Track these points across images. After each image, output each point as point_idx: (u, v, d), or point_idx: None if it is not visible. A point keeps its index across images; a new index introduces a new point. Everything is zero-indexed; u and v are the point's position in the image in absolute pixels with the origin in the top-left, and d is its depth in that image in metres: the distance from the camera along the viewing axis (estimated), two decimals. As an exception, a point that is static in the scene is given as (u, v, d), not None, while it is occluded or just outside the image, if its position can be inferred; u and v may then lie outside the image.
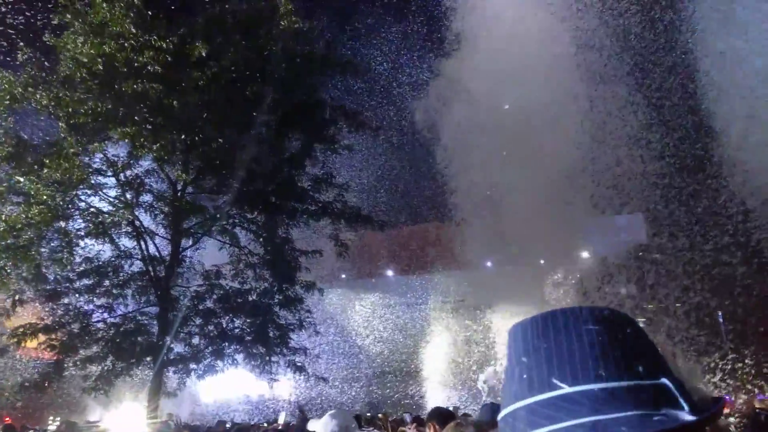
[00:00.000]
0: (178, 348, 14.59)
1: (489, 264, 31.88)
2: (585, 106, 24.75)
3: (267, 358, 15.00)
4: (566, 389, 0.67)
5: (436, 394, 29.11)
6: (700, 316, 29.37)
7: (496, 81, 24.40)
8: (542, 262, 28.52)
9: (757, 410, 9.46)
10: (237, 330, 15.03)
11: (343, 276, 34.16)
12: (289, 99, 14.27)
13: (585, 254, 29.21)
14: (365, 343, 34.62)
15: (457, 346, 30.34)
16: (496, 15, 25.55)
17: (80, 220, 13.23)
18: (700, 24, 25.86)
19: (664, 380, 0.66)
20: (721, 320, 29.86)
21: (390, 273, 36.67)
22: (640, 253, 29.38)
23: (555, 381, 0.68)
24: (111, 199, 13.46)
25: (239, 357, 15.04)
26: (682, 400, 0.64)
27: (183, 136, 13.18)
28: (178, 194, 14.10)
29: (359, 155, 28.24)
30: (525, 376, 0.72)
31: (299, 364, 15.31)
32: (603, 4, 25.50)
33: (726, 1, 25.28)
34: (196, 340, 14.88)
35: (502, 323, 27.91)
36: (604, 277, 27.77)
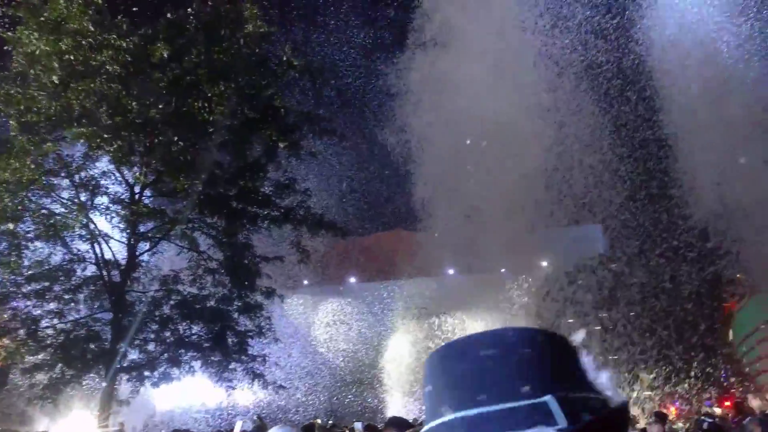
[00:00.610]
0: (133, 355, 14.21)
1: (451, 272, 32.19)
2: (546, 119, 25.34)
3: (225, 365, 14.76)
4: (449, 416, 0.70)
5: (396, 403, 29.18)
6: (654, 324, 30.33)
7: (461, 91, 24.75)
8: (503, 270, 28.97)
9: (701, 417, 9.83)
10: (194, 337, 14.73)
11: (306, 283, 33.87)
12: (253, 103, 14.16)
13: (544, 263, 29.81)
14: (327, 350, 34.37)
15: (419, 354, 30.45)
16: (462, 27, 25.98)
17: (30, 222, 12.77)
18: (657, 38, 26.85)
19: (546, 398, 0.67)
20: (672, 329, 30.87)
21: (353, 280, 36.60)
22: (598, 263, 30.19)
23: (442, 409, 0.72)
24: (64, 201, 13.05)
25: (196, 364, 14.74)
26: (558, 416, 0.66)
27: (142, 138, 12.92)
28: (136, 197, 13.78)
29: (324, 162, 28.16)
30: (427, 404, 0.77)
31: (258, 371, 15.10)
32: (565, 19, 26.21)
33: (681, 17, 26.34)
34: (151, 347, 14.51)
35: (463, 331, 28.17)
36: (562, 285, 28.38)
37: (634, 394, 30.26)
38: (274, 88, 14.69)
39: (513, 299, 28.36)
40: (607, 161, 27.49)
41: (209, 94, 13.07)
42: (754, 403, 7.43)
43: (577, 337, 0.85)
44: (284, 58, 14.25)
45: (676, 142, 27.75)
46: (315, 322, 34.63)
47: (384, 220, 35.85)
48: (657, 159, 29.82)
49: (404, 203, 30.54)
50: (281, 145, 14.45)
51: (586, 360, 0.77)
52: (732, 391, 34.20)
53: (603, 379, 0.75)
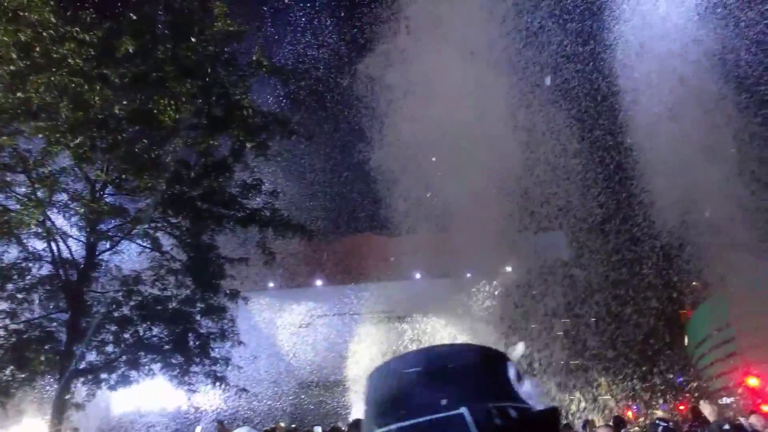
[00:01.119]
0: (89, 357, 13.79)
1: (418, 276, 32.37)
2: (515, 131, 25.80)
3: (186, 368, 14.47)
4: None
5: (361, 406, 29.05)
6: (613, 331, 31.08)
7: (433, 101, 24.99)
8: (468, 275, 29.33)
9: (657, 421, 10.10)
10: (155, 338, 14.40)
11: (271, 285, 33.54)
12: (220, 102, 13.97)
13: (509, 269, 30.29)
14: (291, 354, 34.06)
15: (384, 356, 30.45)
16: (434, 34, 26.22)
17: (-17, 219, 12.27)
18: (621, 51, 27.63)
19: (462, 410, 0.71)
20: (631, 335, 31.66)
21: (320, 283, 36.41)
22: (561, 270, 30.79)
23: (372, 426, 0.76)
24: (20, 197, 12.59)
25: (156, 367, 14.40)
26: (472, 426, 0.69)
27: (104, 134, 12.59)
28: (97, 195, 13.40)
29: (293, 164, 27.96)
30: (363, 420, 0.81)
31: (220, 374, 14.86)
32: (536, 31, 26.71)
33: (643, 27, 27.16)
34: (109, 349, 14.11)
35: (429, 334, 28.36)
36: (526, 291, 28.85)
37: (596, 398, 30.95)
38: (242, 87, 14.52)
39: (478, 303, 28.71)
40: (572, 173, 28.15)
41: (175, 92, 12.83)
42: (706, 408, 7.68)
43: (517, 350, 0.88)
44: (254, 58, 14.11)
45: (639, 157, 28.66)
46: (280, 325, 34.29)
47: (353, 224, 35.80)
48: (620, 173, 30.68)
49: (374, 208, 30.63)
50: (248, 145, 14.28)
51: (513, 372, 0.79)
52: (686, 395, 35.29)
53: (528, 388, 0.77)
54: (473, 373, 0.77)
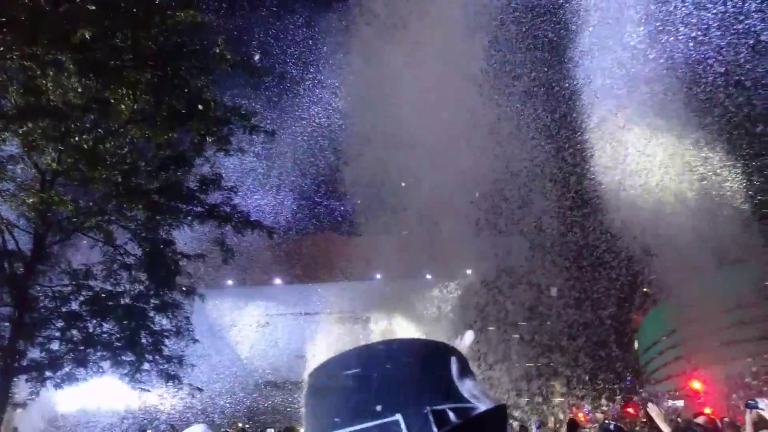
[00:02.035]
0: (34, 353, 13.23)
1: (378, 276, 32.39)
2: (478, 137, 26.14)
3: (137, 366, 14.06)
4: None
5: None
6: (569, 334, 31.84)
7: (396, 104, 25.08)
8: (429, 277, 29.54)
9: (606, 421, 10.39)
10: (105, 335, 13.94)
11: (229, 283, 32.98)
12: (180, 94, 13.63)
13: (469, 271, 30.64)
14: (249, 352, 33.55)
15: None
16: (402, 37, 26.33)
17: None
18: (591, 68, 28.37)
19: (396, 416, 0.68)
20: (584, 339, 32.50)
21: (279, 282, 35.98)
22: (520, 273, 31.34)
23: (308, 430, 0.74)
24: (-38, 185, 12.00)
25: (105, 364, 13.94)
26: None
27: (57, 122, 12.11)
28: (47, 184, 12.88)
29: (255, 160, 27.58)
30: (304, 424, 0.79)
31: (173, 373, 14.50)
32: (504, 41, 27.12)
33: (606, 40, 27.93)
34: (55, 345, 13.58)
35: (389, 334, 28.37)
36: (485, 294, 29.25)
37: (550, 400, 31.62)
38: (204, 80, 14.21)
39: (437, 305, 28.92)
40: (533, 179, 28.71)
41: (134, 82, 12.46)
42: (653, 411, 7.90)
43: (466, 339, 0.84)
44: (217, 51, 13.84)
45: (598, 169, 29.48)
46: (238, 324, 33.72)
47: (314, 223, 35.53)
48: (579, 182, 31.48)
49: (335, 207, 30.49)
50: (209, 139, 13.99)
51: (456, 368, 0.75)
52: (635, 398, 36.46)
53: (471, 386, 0.74)
54: (412, 374, 0.74)
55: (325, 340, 31.42)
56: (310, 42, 31.75)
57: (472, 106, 25.75)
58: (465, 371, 0.76)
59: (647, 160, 27.69)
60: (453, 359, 0.76)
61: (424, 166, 25.02)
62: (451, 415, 0.69)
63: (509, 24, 27.22)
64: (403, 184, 25.67)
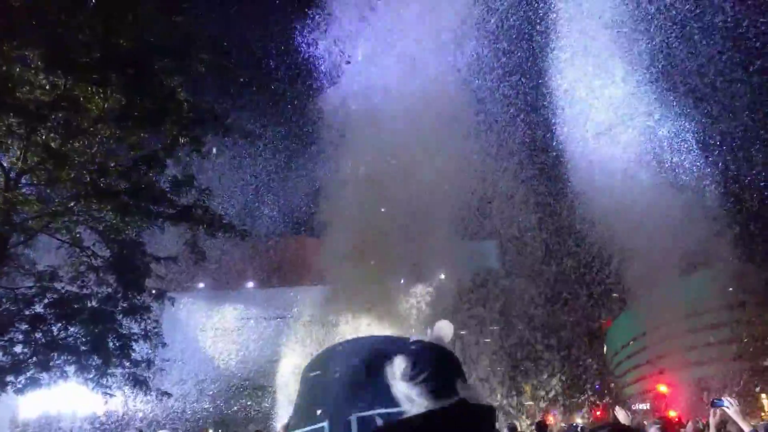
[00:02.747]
0: (-5, 358, 12.81)
1: (351, 280, 32.28)
2: (450, 145, 26.29)
3: (103, 370, 13.71)
4: None
5: (288, 409, 28.62)
6: (540, 338, 32.25)
7: (372, 108, 25.13)
8: (402, 281, 29.59)
9: (574, 424, 10.54)
10: (70, 339, 13.56)
11: (201, 286, 32.50)
12: (153, 93, 13.40)
13: (442, 276, 30.80)
14: (220, 356, 33.09)
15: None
16: (383, 41, 26.41)
17: None
18: (562, 83, 28.85)
19: (324, 423, 0.71)
20: (555, 344, 32.94)
21: (251, 285, 35.59)
22: (491, 278, 31.66)
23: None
24: None
25: (70, 369, 13.56)
26: None
27: (23, 120, 11.78)
28: (11, 183, 12.50)
29: (229, 162, 27.27)
30: None
31: (141, 377, 14.19)
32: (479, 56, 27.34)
33: (579, 59, 28.48)
34: (18, 349, 13.16)
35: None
36: (458, 297, 29.45)
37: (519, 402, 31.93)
38: (178, 80, 14.00)
39: (410, 308, 29.00)
40: (504, 185, 29.04)
41: (105, 79, 12.21)
42: (620, 415, 8.04)
43: (440, 330, 0.84)
44: (192, 51, 13.66)
45: (569, 177, 30.00)
46: (209, 327, 33.23)
47: (288, 226, 35.20)
48: (551, 189, 31.97)
49: (310, 210, 30.33)
50: (182, 140, 13.77)
51: (400, 371, 0.74)
52: (603, 402, 37.11)
53: (407, 389, 0.73)
54: (354, 377, 0.76)
55: (298, 344, 31.18)
56: (290, 44, 31.49)
57: (446, 114, 25.92)
58: (411, 371, 0.74)
59: (618, 168, 28.30)
60: (398, 360, 0.74)
61: (399, 174, 25.08)
62: (378, 421, 0.71)
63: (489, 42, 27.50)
64: (376, 191, 25.59)
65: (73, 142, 12.36)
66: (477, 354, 28.52)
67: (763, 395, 32.86)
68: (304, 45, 28.00)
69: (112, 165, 13.48)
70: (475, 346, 28.70)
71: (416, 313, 29.33)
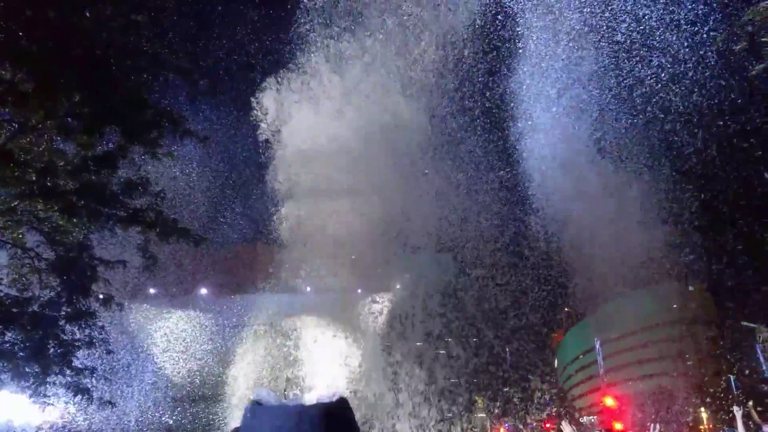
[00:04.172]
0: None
1: (308, 289, 32.01)
2: (408, 158, 26.54)
3: (42, 378, 13.10)
4: None
5: (239, 419, 28.05)
6: (492, 349, 32.67)
7: (329, 115, 25.15)
8: (359, 291, 29.53)
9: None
10: (7, 345, 12.91)
11: (152, 291, 31.54)
12: (108, 92, 13.01)
13: (398, 286, 30.91)
14: (170, 364, 32.12)
15: (266, 369, 29.62)
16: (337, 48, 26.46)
17: None
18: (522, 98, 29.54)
19: None
20: (509, 356, 33.44)
21: (204, 291, 34.78)
22: (446, 290, 31.94)
23: None
24: None
25: (6, 376, 12.90)
26: None
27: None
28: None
29: (186, 166, 26.70)
30: None
31: (83, 386, 13.62)
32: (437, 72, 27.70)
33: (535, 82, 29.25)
34: (-51, 355, 12.46)
35: (314, 348, 28.05)
36: (413, 308, 29.58)
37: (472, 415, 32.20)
38: (135, 80, 13.64)
39: (365, 318, 28.93)
40: (460, 197, 29.46)
41: (56, 75, 11.78)
42: (566, 428, 8.24)
43: None
44: (150, 52, 13.35)
45: (526, 189, 30.68)
46: (159, 334, 32.26)
47: (244, 232, 34.58)
48: (508, 200, 32.60)
49: (267, 217, 29.93)
50: (136, 141, 13.41)
51: None
52: (553, 414, 37.83)
53: None
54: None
55: (251, 353, 30.61)
56: (253, 51, 31.15)
57: (409, 126, 26.16)
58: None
59: (571, 188, 29.12)
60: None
61: (356, 181, 25.11)
62: None
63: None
64: (335, 201, 25.53)
65: (18, 139, 11.85)
66: (429, 365, 28.66)
67: (702, 409, 34.18)
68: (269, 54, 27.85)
69: (61, 164, 12.99)
70: (428, 357, 28.86)
71: (372, 320, 29.29)
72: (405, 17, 26.47)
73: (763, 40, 8.88)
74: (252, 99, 28.27)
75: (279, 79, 26.79)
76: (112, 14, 12.76)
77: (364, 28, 26.39)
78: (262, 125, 27.29)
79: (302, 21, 26.62)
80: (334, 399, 2.47)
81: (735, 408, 10.12)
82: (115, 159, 13.79)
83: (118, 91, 13.40)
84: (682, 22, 24.59)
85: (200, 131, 15.61)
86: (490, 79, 29.45)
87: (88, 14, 12.73)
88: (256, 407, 2.52)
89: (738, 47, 10.06)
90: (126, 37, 13.54)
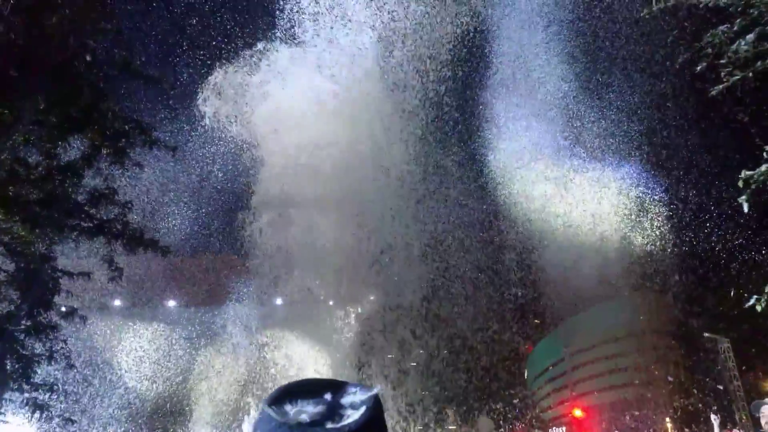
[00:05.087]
0: None
1: (279, 301, 31.67)
2: (380, 170, 26.62)
3: (-2, 394, 12.61)
4: None
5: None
6: (463, 362, 32.79)
7: (302, 126, 25.12)
8: (331, 303, 29.35)
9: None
10: (-38, 359, 12.43)
11: (117, 304, 30.74)
12: (75, 101, 12.75)
13: (371, 297, 30.83)
14: (135, 379, 31.25)
15: (236, 384, 29.12)
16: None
17: None
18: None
19: None
20: (478, 369, 33.57)
21: (172, 304, 34.06)
22: (419, 303, 32.00)
23: None
24: None
25: (-40, 392, 12.39)
26: None
27: None
28: None
29: (155, 176, 26.25)
30: None
31: (41, 402, 13.15)
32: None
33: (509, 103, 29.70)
34: None
35: (283, 361, 27.70)
36: (386, 320, 29.53)
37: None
38: (102, 88, 13.39)
39: (338, 330, 28.74)
40: (434, 209, 29.67)
41: (19, 82, 11.49)
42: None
43: None
44: (118, 59, 13.15)
45: (497, 207, 31.12)
46: (124, 347, 31.41)
47: (213, 243, 34.04)
48: (485, 208, 32.96)
49: (236, 229, 29.56)
50: (103, 151, 13.14)
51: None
52: (522, 426, 38.12)
53: None
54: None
55: (219, 367, 30.05)
56: (224, 61, 30.89)
57: (379, 151, 26.23)
58: None
59: (537, 200, 29.61)
60: None
61: (328, 192, 25.06)
62: None
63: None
64: (307, 212, 25.38)
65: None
66: (399, 377, 28.59)
67: (667, 419, 34.88)
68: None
69: (23, 172, 12.63)
70: (398, 369, 28.80)
71: (346, 334, 29.12)
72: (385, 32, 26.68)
73: (721, 62, 9.25)
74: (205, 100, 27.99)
75: (245, 86, 26.69)
76: (79, 21, 12.53)
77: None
78: (233, 132, 27.11)
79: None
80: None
81: (712, 416, 10.33)
82: (80, 168, 13.49)
83: (84, 99, 13.14)
84: (648, 39, 25.43)
85: (170, 140, 15.43)
86: (466, 92, 29.85)
87: (54, 20, 12.48)
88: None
89: (699, 68, 10.43)
90: (94, 44, 13.32)
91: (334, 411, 0.88)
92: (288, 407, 0.88)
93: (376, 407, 0.87)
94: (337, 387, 0.92)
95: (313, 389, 0.91)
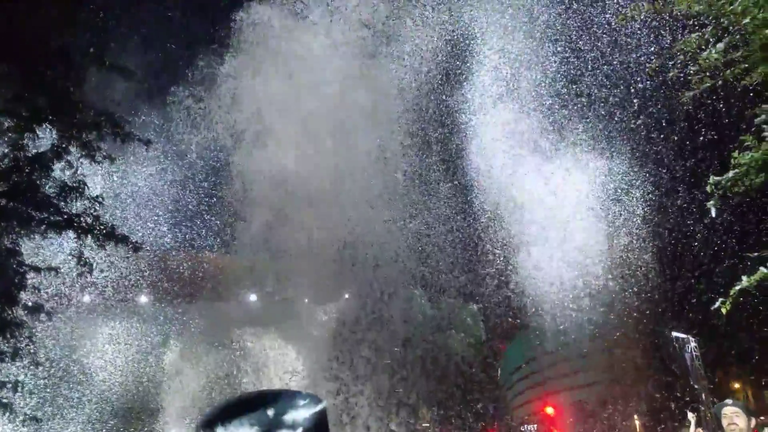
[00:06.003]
0: None
1: (253, 298, 31.43)
2: (362, 174, 26.54)
3: (-40, 393, 12.29)
4: None
5: (178, 433, 27.22)
6: (435, 360, 33.05)
7: (285, 117, 24.92)
8: (306, 300, 29.23)
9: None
10: None
11: (87, 300, 30.06)
12: (44, 91, 12.45)
13: (347, 296, 30.76)
14: (105, 377, 30.64)
15: (209, 382, 28.83)
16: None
17: None
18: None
19: None
20: (452, 367, 33.86)
21: (145, 300, 33.47)
22: (395, 300, 32.06)
23: None
24: None
25: None
26: None
27: None
28: None
29: (128, 169, 25.71)
30: None
31: (5, 401, 12.83)
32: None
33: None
34: None
35: (256, 358, 27.56)
36: (360, 318, 29.52)
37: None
38: (74, 79, 13.12)
39: (313, 328, 28.66)
40: (411, 209, 29.74)
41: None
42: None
43: None
44: (90, 50, 12.89)
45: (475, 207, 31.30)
46: (94, 344, 30.78)
47: (189, 240, 33.51)
48: (464, 212, 33.10)
49: (213, 225, 29.23)
50: (73, 143, 12.88)
51: None
52: (495, 424, 38.58)
53: None
54: None
55: (191, 363, 29.71)
56: (203, 56, 30.38)
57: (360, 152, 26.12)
58: None
59: (518, 194, 29.83)
60: None
61: (310, 190, 24.95)
62: None
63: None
64: (284, 210, 25.22)
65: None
66: (374, 377, 28.64)
67: (635, 416, 35.60)
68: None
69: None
70: (372, 368, 28.84)
71: (320, 332, 29.05)
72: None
73: (692, 70, 9.46)
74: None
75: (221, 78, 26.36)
76: (50, 9, 12.25)
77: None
78: (211, 129, 26.78)
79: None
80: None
81: (689, 414, 10.45)
82: (49, 160, 13.20)
83: (55, 90, 12.85)
84: (621, 45, 25.76)
85: (145, 135, 15.22)
86: (449, 98, 29.85)
87: (23, 8, 12.18)
88: None
89: (670, 74, 10.66)
90: (65, 33, 13.05)
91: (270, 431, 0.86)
92: (219, 431, 0.86)
93: (316, 427, 0.85)
94: (283, 399, 0.89)
95: (258, 402, 0.88)
